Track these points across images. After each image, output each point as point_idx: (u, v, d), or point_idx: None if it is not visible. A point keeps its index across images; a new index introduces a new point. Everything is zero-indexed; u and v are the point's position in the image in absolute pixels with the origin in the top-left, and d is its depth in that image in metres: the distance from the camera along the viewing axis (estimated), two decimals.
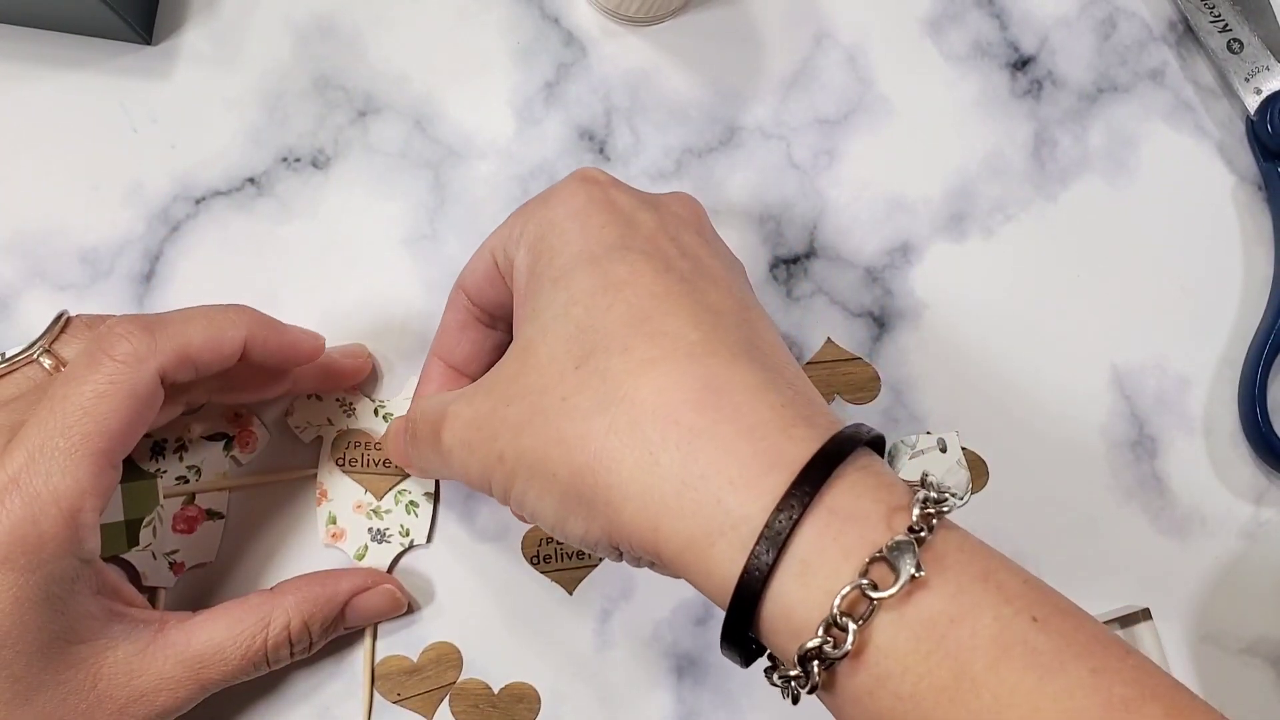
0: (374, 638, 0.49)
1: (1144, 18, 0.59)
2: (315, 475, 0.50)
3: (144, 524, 0.47)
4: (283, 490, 0.50)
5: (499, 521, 0.51)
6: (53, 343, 0.43)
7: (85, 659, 0.39)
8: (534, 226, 0.40)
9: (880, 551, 0.31)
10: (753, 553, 0.32)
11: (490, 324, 0.47)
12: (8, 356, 0.42)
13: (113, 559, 0.47)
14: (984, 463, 0.53)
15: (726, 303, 0.38)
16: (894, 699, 0.30)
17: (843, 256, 0.55)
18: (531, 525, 0.50)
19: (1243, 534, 0.54)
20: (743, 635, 0.33)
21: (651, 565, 0.36)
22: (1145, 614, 0.51)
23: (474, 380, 0.41)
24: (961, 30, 0.57)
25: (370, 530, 0.49)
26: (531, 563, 0.50)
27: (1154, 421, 0.54)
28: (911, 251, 0.55)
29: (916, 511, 0.31)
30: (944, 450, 0.53)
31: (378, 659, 0.49)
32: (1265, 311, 0.55)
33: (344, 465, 0.50)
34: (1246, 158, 0.57)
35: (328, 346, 0.48)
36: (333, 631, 0.46)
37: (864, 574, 0.31)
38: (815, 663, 0.31)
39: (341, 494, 0.50)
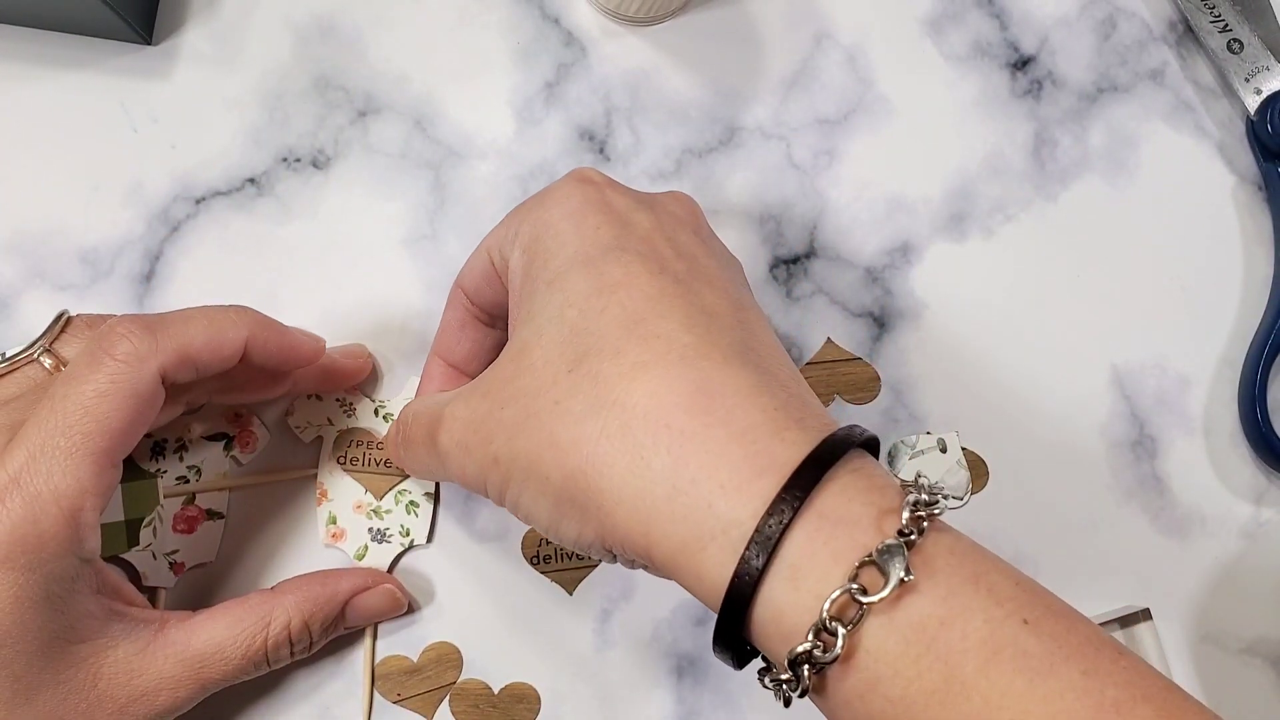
0: (374, 638, 0.49)
1: (1144, 18, 0.59)
2: (315, 475, 0.50)
3: (144, 524, 0.47)
4: (283, 490, 0.50)
5: (499, 522, 0.51)
6: (53, 342, 0.43)
7: (85, 658, 0.39)
8: (529, 227, 0.40)
9: (870, 555, 0.31)
10: (743, 557, 0.32)
11: (489, 323, 0.47)
12: (8, 356, 0.43)
13: (113, 559, 0.47)
14: (984, 463, 0.53)
15: (721, 304, 0.38)
16: (884, 702, 0.30)
17: (843, 256, 0.55)
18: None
19: (1243, 534, 0.54)
20: (735, 638, 0.33)
21: (645, 568, 0.36)
22: (1145, 614, 0.51)
23: (474, 378, 0.41)
24: (961, 30, 0.57)
25: (370, 530, 0.50)
26: (531, 563, 0.50)
27: (1154, 421, 0.54)
28: (911, 251, 0.55)
29: (906, 514, 0.31)
30: (944, 450, 0.53)
31: (378, 659, 0.49)
32: (1265, 311, 0.55)
33: (344, 465, 0.50)
34: (1246, 158, 0.57)
35: (328, 347, 0.48)
36: (333, 631, 0.46)
37: (854, 578, 0.31)
38: (806, 666, 0.31)
39: (341, 494, 0.50)
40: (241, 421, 0.50)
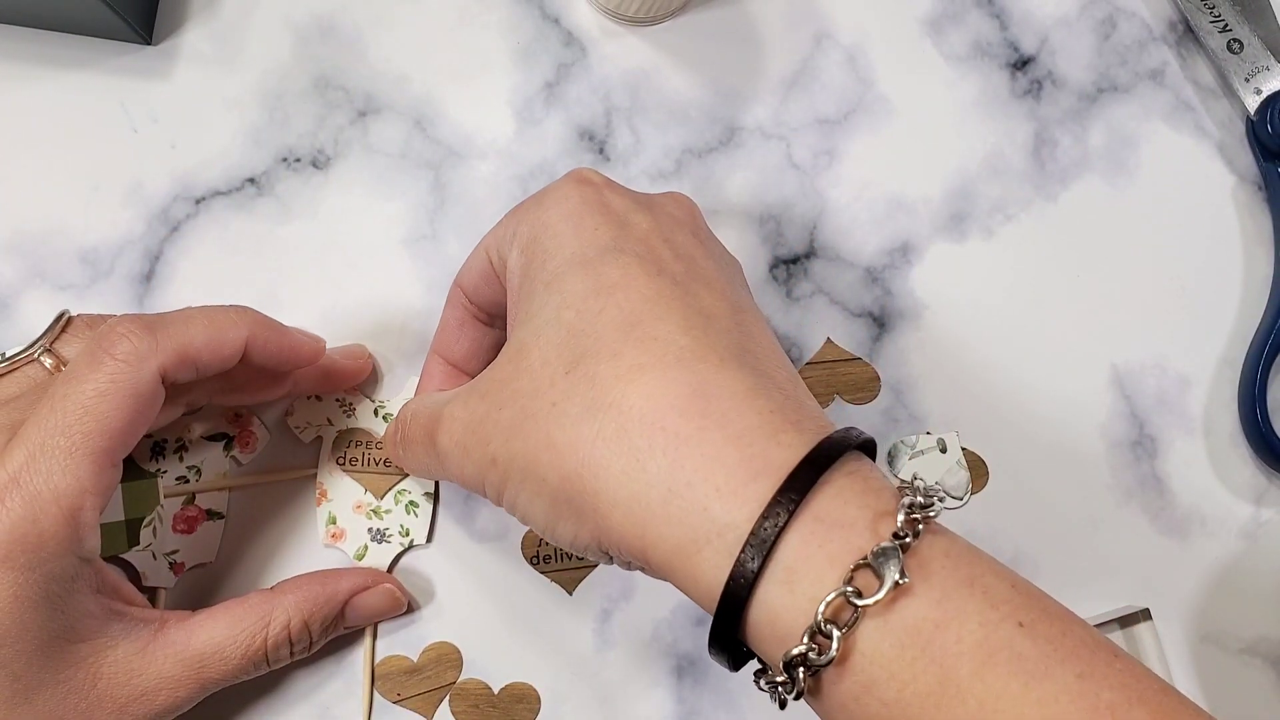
0: (374, 638, 0.49)
1: (1144, 18, 0.58)
2: (315, 475, 0.50)
3: (144, 524, 0.47)
4: (283, 490, 0.50)
5: (499, 522, 0.51)
6: (53, 342, 0.43)
7: (85, 658, 0.39)
8: (527, 228, 0.40)
9: (865, 558, 0.31)
10: (738, 560, 0.32)
11: (488, 321, 0.47)
12: (8, 356, 0.43)
13: (113, 559, 0.47)
14: (984, 463, 0.53)
15: (719, 306, 0.38)
16: (879, 705, 0.31)
17: (843, 256, 0.55)
18: None
19: (1243, 534, 0.54)
20: (730, 640, 0.33)
21: (641, 569, 0.36)
22: (1145, 614, 0.51)
23: (473, 377, 0.41)
24: (961, 30, 0.57)
25: (370, 530, 0.50)
26: (531, 563, 0.50)
27: (1154, 421, 0.54)
28: (911, 251, 0.55)
29: (902, 517, 0.31)
30: (944, 450, 0.53)
31: (378, 659, 0.49)
32: (1265, 311, 0.55)
33: (344, 465, 0.50)
34: (1246, 158, 0.57)
35: (328, 347, 0.48)
36: (333, 631, 0.46)
37: (849, 581, 0.31)
38: (800, 669, 0.31)
39: (341, 494, 0.50)
40: (241, 422, 0.50)
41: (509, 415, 0.37)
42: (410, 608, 0.49)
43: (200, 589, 0.49)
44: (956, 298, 0.55)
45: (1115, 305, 0.55)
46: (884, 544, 0.31)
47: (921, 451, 0.53)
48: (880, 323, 0.54)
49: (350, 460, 0.50)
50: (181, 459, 0.49)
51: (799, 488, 0.32)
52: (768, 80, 0.56)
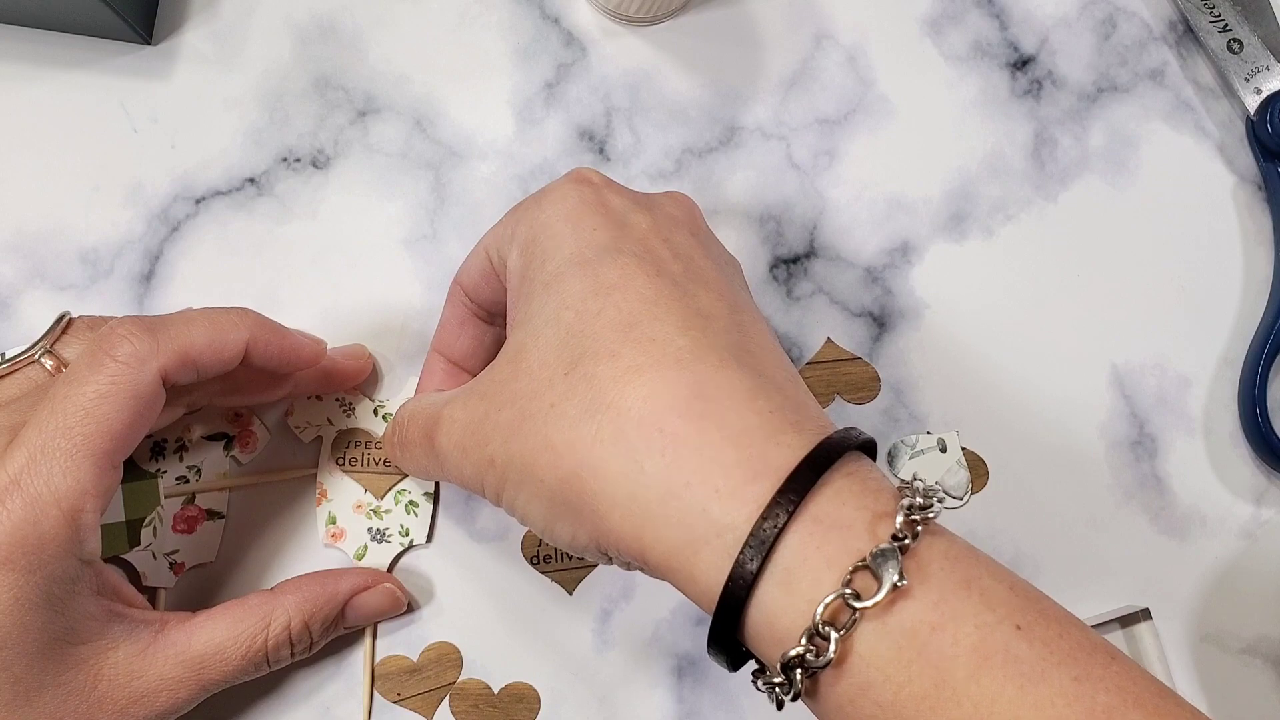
0: (374, 638, 0.49)
1: (1144, 18, 0.58)
2: (315, 475, 0.50)
3: (144, 524, 0.47)
4: (283, 490, 0.50)
5: (499, 522, 0.51)
6: (54, 343, 0.43)
7: (86, 660, 0.39)
8: (526, 228, 0.40)
9: (864, 560, 0.31)
10: (737, 561, 0.32)
11: (488, 320, 0.47)
12: (8, 357, 0.43)
13: (113, 559, 0.47)
14: (984, 463, 0.53)
15: (718, 306, 0.37)
16: (875, 707, 0.31)
17: (843, 256, 0.55)
18: None
19: (1243, 534, 0.54)
20: (729, 641, 0.33)
21: (640, 570, 0.36)
22: (1145, 614, 0.51)
23: (474, 375, 0.41)
24: (961, 30, 0.57)
25: (370, 530, 0.50)
26: (531, 563, 0.50)
27: (1154, 421, 0.54)
28: (911, 251, 0.55)
29: (901, 518, 0.31)
30: (944, 450, 0.53)
31: (378, 659, 0.49)
32: (1265, 311, 0.55)
33: (344, 465, 0.50)
34: (1246, 158, 0.57)
35: (328, 347, 0.48)
36: (333, 631, 0.46)
37: (847, 583, 0.31)
38: (798, 670, 0.31)
39: (341, 494, 0.50)
40: (241, 422, 0.50)
41: (507, 416, 0.37)
42: (410, 608, 0.50)
43: (200, 589, 0.49)
44: (956, 297, 0.55)
45: (1115, 305, 0.55)
46: (883, 545, 0.31)
47: (921, 451, 0.53)
48: (880, 322, 0.54)
49: (350, 460, 0.50)
50: (181, 459, 0.49)
51: (798, 489, 0.32)
52: (768, 80, 0.56)
